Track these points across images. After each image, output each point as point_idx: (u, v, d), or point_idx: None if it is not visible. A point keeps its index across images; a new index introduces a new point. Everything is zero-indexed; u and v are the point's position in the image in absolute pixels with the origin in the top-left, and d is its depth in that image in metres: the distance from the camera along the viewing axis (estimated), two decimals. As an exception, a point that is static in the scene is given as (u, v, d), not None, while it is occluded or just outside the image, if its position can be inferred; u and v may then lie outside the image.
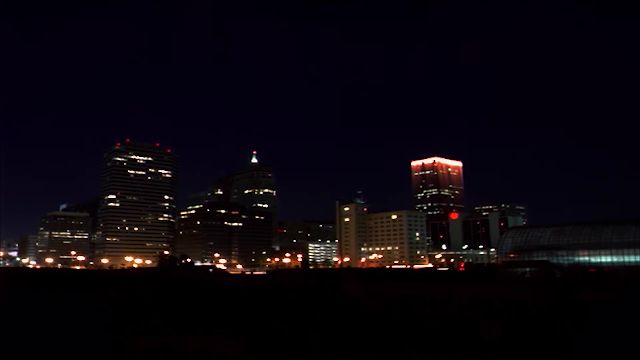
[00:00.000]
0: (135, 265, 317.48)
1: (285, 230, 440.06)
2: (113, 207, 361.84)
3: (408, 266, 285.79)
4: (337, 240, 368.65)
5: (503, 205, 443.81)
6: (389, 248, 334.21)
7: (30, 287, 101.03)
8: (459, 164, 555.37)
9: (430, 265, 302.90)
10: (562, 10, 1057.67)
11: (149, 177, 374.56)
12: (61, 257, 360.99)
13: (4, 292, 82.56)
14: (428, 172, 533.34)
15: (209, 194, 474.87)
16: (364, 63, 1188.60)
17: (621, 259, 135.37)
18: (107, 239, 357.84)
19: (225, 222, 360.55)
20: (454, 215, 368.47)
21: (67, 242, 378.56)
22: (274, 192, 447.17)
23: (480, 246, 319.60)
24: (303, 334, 42.99)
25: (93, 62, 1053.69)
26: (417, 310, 69.31)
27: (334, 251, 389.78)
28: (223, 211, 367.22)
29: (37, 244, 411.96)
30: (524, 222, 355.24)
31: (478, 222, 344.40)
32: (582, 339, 38.00)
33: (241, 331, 44.26)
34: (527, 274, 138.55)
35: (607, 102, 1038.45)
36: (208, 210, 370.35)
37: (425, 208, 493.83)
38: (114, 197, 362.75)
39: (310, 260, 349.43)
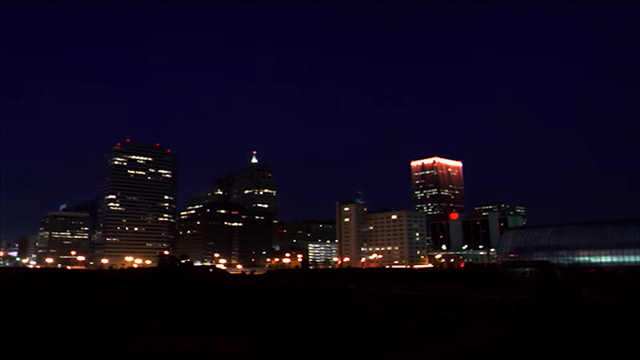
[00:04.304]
0: (135, 266, 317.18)
1: (285, 230, 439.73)
2: (113, 207, 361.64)
3: (408, 266, 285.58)
4: (337, 240, 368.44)
5: (503, 205, 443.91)
6: (389, 248, 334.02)
7: (30, 287, 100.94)
8: (459, 164, 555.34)
9: (430, 265, 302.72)
10: (567, 8, 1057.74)
11: (149, 177, 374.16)
12: (61, 257, 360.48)
13: (3, 293, 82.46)
14: (428, 172, 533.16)
15: (209, 194, 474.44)
16: (365, 63, 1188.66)
17: (621, 259, 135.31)
18: (107, 239, 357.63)
19: (225, 222, 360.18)
20: (454, 215, 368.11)
21: (67, 242, 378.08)
22: (274, 192, 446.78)
23: (480, 246, 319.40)
24: (303, 334, 42.97)
25: (93, 62, 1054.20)
26: (417, 310, 69.29)
27: (334, 251, 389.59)
28: (223, 211, 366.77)
29: (37, 244, 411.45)
30: (524, 222, 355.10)
31: (478, 222, 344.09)
32: (582, 339, 37.96)
33: (241, 331, 44.25)
34: (527, 274, 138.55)
35: (607, 102, 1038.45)
36: (208, 210, 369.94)
37: (425, 208, 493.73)
38: (114, 197, 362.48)
39: (310, 260, 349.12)
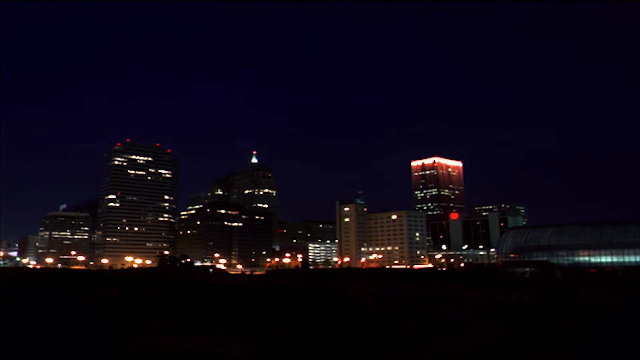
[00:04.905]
0: (135, 265, 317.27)
1: (285, 230, 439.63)
2: (113, 207, 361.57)
3: (408, 266, 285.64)
4: (337, 240, 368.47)
5: (503, 205, 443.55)
6: (389, 248, 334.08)
7: (30, 287, 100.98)
8: (459, 164, 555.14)
9: (430, 265, 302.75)
10: (565, 9, 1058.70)
11: (149, 177, 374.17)
12: (61, 257, 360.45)
13: (3, 293, 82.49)
14: (428, 172, 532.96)
15: (209, 194, 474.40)
16: (364, 63, 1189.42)
17: (621, 259, 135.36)
18: (107, 239, 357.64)
19: (225, 222, 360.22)
20: (454, 215, 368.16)
21: (67, 242, 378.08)
22: (274, 192, 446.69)
23: (480, 246, 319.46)
24: (303, 334, 42.97)
25: (93, 62, 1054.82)
26: (417, 310, 69.23)
27: (334, 251, 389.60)
28: (223, 211, 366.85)
29: (37, 244, 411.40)
30: (524, 222, 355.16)
31: (478, 222, 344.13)
32: (582, 338, 37.98)
33: (241, 331, 44.25)
34: (527, 274, 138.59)
35: (607, 102, 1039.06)
36: (208, 210, 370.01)
37: (425, 208, 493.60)
38: (114, 197, 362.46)
39: (310, 260, 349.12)
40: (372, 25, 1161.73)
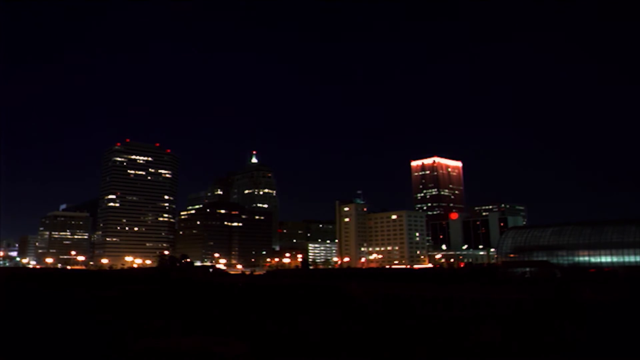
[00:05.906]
0: (135, 265, 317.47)
1: (285, 230, 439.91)
2: (113, 207, 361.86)
3: (408, 266, 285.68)
4: (337, 240, 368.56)
5: (503, 205, 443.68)
6: (389, 248, 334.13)
7: (30, 287, 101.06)
8: (459, 164, 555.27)
9: (430, 265, 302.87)
10: (562, 12, 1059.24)
11: (149, 177, 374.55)
12: (61, 257, 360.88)
13: (3, 292, 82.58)
14: (428, 172, 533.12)
15: (209, 194, 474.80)
16: (364, 63, 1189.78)
17: (621, 259, 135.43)
18: (107, 239, 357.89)
19: (225, 222, 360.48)
20: (454, 215, 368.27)
21: (67, 242, 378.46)
22: (274, 192, 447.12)
23: (480, 246, 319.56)
24: (303, 334, 43.00)
25: (93, 62, 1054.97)
26: (417, 310, 69.23)
27: (334, 251, 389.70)
28: (223, 211, 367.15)
29: (37, 244, 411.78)
30: (524, 222, 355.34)
31: (478, 222, 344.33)
32: (581, 339, 38.00)
33: (241, 331, 44.26)
34: (527, 274, 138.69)
35: (607, 102, 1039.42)
36: (208, 210, 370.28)
37: (425, 208, 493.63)
38: (114, 197, 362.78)
39: (310, 260, 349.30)
40: (372, 26, 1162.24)
